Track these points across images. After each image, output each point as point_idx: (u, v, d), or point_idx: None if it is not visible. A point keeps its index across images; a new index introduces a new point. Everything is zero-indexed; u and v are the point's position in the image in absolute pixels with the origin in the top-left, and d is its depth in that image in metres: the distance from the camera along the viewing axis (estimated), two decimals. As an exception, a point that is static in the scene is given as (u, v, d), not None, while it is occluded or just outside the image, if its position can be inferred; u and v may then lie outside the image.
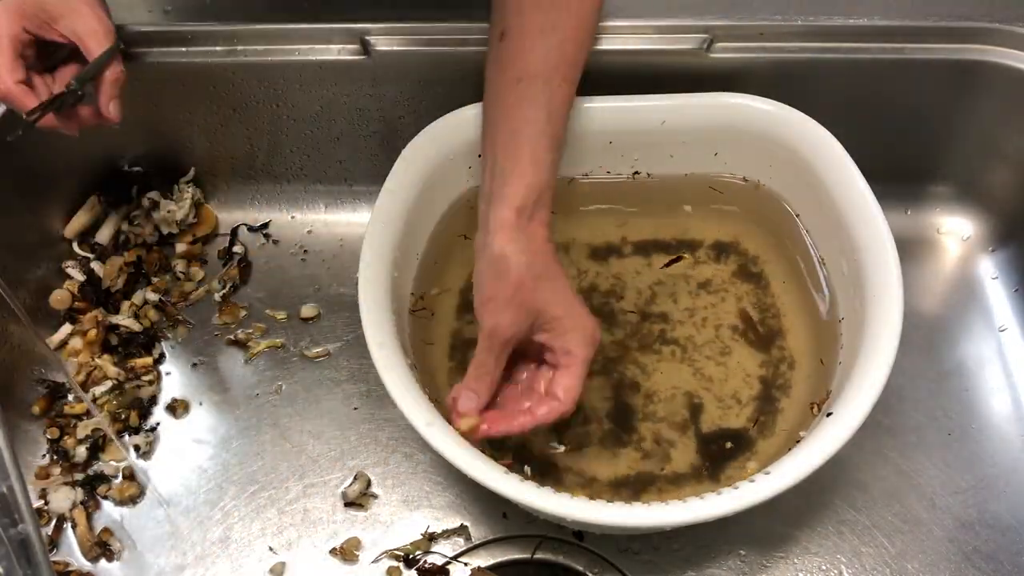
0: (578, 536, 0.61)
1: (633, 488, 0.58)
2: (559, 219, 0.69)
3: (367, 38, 0.68)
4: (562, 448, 0.59)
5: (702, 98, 0.65)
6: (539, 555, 0.61)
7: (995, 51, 0.67)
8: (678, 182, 0.69)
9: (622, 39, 0.67)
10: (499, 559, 0.61)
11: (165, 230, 0.76)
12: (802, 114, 0.63)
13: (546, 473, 0.58)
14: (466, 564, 0.61)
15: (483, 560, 0.61)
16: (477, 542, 0.61)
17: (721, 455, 0.59)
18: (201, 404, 0.69)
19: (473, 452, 0.51)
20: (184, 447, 0.67)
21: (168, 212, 0.76)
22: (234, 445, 0.66)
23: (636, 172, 0.69)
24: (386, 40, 0.68)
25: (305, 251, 0.77)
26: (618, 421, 0.60)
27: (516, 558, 0.61)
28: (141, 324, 0.72)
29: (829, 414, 0.52)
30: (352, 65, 0.69)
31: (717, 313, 0.65)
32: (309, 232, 0.78)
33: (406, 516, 0.63)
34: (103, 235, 0.75)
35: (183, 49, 0.69)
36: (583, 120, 0.65)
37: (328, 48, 0.69)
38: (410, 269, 0.63)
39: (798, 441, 0.54)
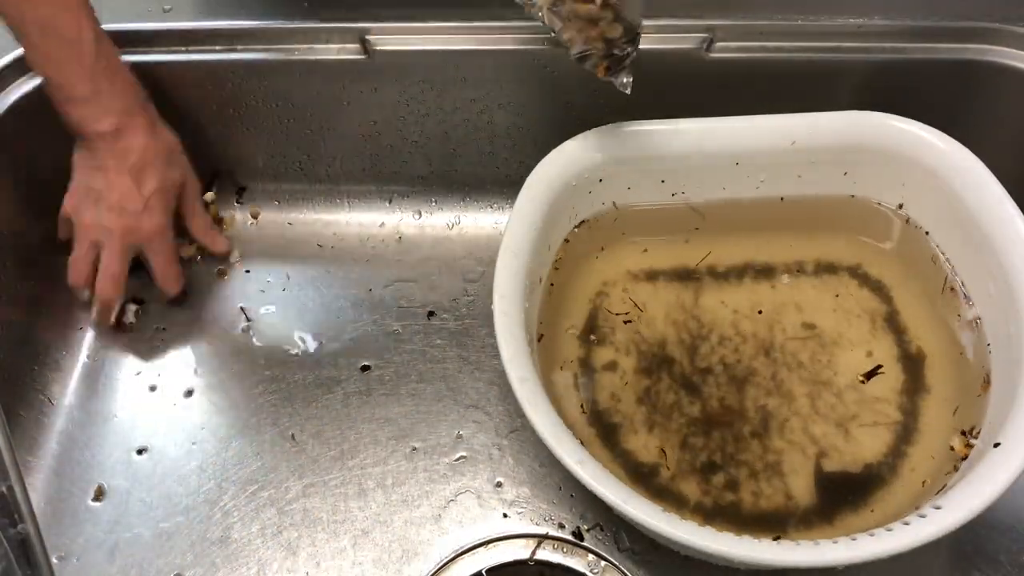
0: (578, 536, 0.61)
1: (767, 525, 0.57)
2: (678, 242, 0.68)
3: (367, 38, 0.68)
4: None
5: (835, 116, 0.64)
6: (539, 555, 0.61)
7: (995, 51, 0.67)
8: (804, 203, 0.67)
9: (622, 39, 0.67)
10: (499, 559, 0.61)
11: (165, 230, 0.76)
12: (944, 135, 0.62)
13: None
14: (466, 564, 0.61)
15: (483, 560, 0.61)
16: (477, 542, 0.61)
17: (846, 495, 0.58)
18: (200, 404, 0.69)
19: (621, 486, 0.50)
20: (183, 447, 0.67)
21: (168, 212, 0.75)
22: (234, 445, 0.66)
23: (760, 193, 0.67)
24: (386, 40, 0.68)
25: (305, 251, 0.77)
26: (735, 461, 0.60)
27: (516, 558, 0.61)
28: (141, 324, 0.72)
29: (996, 444, 0.51)
30: (352, 65, 0.69)
31: (844, 338, 0.64)
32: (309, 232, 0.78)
33: (406, 516, 0.63)
34: (103, 235, 0.75)
35: (183, 49, 0.69)
36: (707, 141, 0.64)
37: (328, 48, 0.69)
38: (536, 298, 0.62)
39: (924, 483, 0.53)
